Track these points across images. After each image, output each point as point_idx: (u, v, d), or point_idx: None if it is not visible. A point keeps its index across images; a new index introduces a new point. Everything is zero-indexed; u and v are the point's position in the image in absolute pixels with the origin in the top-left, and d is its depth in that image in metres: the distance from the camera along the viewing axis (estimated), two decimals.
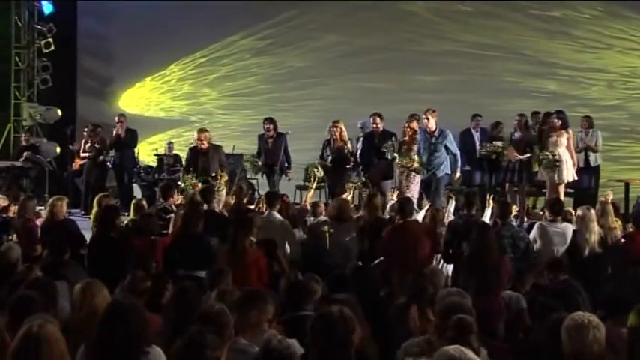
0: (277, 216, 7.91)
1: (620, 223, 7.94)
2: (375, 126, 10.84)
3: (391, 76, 14.17)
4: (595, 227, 7.20)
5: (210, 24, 14.89)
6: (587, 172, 11.57)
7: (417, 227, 7.32)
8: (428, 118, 10.32)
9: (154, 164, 13.76)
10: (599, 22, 13.78)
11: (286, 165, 11.28)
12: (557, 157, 9.98)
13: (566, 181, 10.17)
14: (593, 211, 7.36)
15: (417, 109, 13.14)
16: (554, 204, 7.87)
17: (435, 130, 10.33)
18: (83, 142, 13.14)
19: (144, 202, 8.74)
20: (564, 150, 10.12)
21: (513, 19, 14.00)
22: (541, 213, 8.04)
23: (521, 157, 10.87)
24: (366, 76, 14.33)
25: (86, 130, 13.18)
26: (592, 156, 11.72)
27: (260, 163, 11.11)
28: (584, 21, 13.83)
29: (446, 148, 10.36)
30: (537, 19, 13.95)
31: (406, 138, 10.44)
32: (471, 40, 14.10)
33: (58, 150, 14.59)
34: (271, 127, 11.20)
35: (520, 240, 7.11)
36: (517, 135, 11.12)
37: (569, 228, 7.41)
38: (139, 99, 15.94)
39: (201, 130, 10.53)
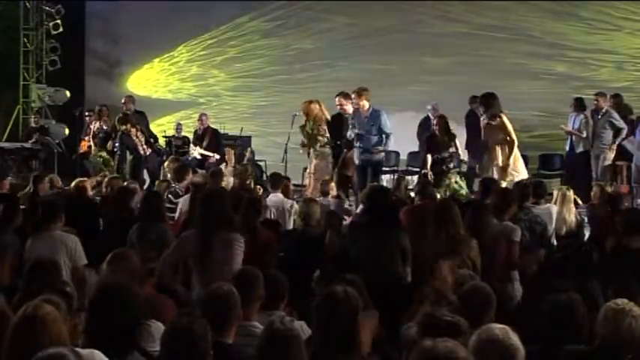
0: (280, 196, 7.98)
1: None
2: (340, 107, 10.05)
3: (400, 57, 14.08)
4: (572, 207, 7.35)
5: (218, 5, 14.85)
6: (573, 157, 11.24)
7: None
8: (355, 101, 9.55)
9: (163, 146, 13.76)
10: (608, 3, 13.64)
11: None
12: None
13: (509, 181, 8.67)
14: (571, 192, 7.50)
15: (426, 91, 13.17)
16: (537, 186, 7.80)
17: (369, 110, 9.63)
18: (93, 122, 13.17)
19: (134, 185, 8.71)
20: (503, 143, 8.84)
21: (521, 1, 13.90)
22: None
23: None
24: (375, 58, 14.25)
25: (93, 113, 13.23)
26: (575, 140, 11.31)
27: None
28: (593, 2, 13.71)
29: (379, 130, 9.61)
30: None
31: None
32: (479, 22, 14.00)
33: (67, 131, 14.64)
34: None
35: (537, 225, 7.07)
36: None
37: (553, 208, 7.46)
38: (147, 80, 15.94)
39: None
